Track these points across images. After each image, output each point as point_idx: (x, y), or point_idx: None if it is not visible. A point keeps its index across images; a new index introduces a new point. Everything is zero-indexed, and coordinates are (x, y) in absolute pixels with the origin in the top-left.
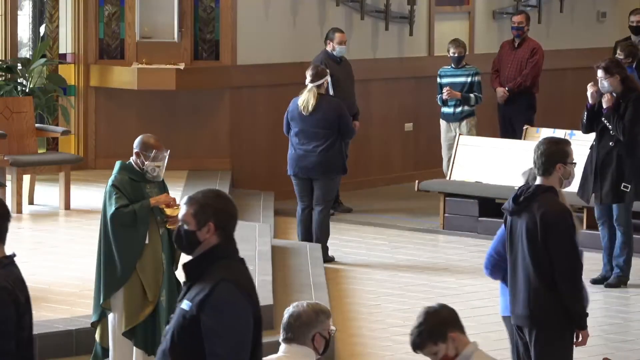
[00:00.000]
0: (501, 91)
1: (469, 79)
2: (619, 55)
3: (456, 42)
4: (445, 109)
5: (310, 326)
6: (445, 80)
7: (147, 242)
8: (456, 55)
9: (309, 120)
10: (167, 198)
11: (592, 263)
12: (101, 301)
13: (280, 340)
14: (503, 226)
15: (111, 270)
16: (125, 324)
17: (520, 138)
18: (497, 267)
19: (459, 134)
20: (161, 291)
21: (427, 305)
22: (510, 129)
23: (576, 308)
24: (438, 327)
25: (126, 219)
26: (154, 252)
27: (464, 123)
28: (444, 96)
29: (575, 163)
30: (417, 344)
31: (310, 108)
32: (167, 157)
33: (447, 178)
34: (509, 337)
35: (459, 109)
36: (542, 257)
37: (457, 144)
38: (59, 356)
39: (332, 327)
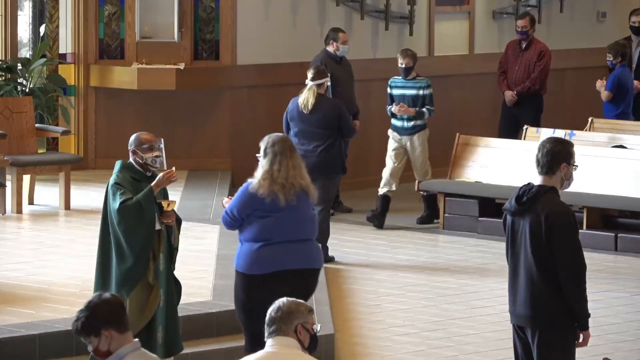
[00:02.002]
0: (510, 95)
1: (421, 92)
2: (608, 57)
3: (404, 53)
4: (395, 122)
5: (291, 316)
6: (395, 92)
7: (157, 227)
8: (404, 66)
9: (308, 120)
10: (167, 174)
11: (591, 263)
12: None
13: (265, 339)
14: (244, 190)
15: (126, 265)
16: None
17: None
18: (232, 225)
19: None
20: (159, 290)
21: (102, 294)
22: (515, 130)
23: (579, 309)
24: (93, 321)
25: (132, 210)
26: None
27: (415, 137)
28: (395, 112)
29: (577, 166)
30: (75, 331)
31: (310, 106)
32: (162, 146)
33: (447, 178)
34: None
35: (410, 123)
36: (546, 258)
37: (456, 144)
38: (59, 356)
39: (317, 325)
